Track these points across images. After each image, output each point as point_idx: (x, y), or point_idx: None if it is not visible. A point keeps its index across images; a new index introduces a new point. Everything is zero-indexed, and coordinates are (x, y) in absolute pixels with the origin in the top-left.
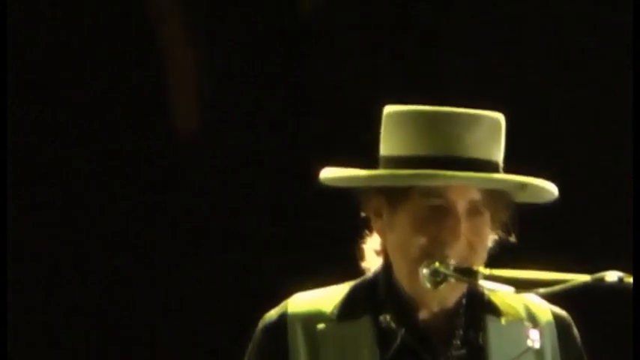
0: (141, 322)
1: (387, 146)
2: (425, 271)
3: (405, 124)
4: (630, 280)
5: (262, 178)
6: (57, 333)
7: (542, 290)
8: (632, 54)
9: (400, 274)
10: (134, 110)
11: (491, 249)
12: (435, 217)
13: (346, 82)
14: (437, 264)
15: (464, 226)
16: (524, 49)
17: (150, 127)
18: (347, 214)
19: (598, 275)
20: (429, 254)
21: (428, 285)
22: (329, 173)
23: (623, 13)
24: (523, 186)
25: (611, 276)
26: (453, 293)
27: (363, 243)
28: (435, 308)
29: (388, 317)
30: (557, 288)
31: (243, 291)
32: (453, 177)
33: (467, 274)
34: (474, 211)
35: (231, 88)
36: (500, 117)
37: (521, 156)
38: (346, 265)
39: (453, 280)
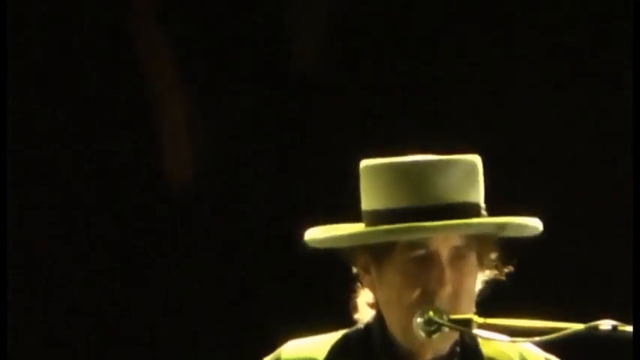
0: (141, 323)
1: (366, 201)
2: (419, 320)
3: (380, 177)
4: (625, 328)
5: (259, 178)
6: (57, 333)
7: (537, 339)
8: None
9: (393, 326)
10: (134, 110)
11: (483, 290)
12: (421, 269)
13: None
14: (431, 313)
15: (449, 274)
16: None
17: (150, 126)
18: None
19: (592, 324)
20: (419, 306)
21: (422, 334)
22: (312, 235)
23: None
24: (503, 226)
25: (605, 325)
26: (446, 342)
27: (356, 297)
28: (429, 358)
29: None
30: (551, 336)
31: (242, 291)
32: (430, 228)
33: (461, 323)
34: (457, 256)
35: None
36: (475, 158)
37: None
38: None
39: (446, 329)
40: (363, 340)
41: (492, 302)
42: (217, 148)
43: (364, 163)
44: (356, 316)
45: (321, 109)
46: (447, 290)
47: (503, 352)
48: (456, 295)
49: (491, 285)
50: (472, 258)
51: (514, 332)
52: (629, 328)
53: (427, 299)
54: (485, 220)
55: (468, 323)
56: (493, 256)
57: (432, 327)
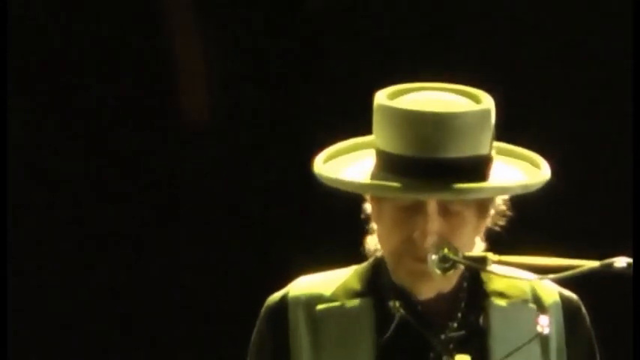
0: (141, 323)
1: (377, 137)
2: (433, 257)
3: (390, 119)
4: None
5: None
6: (56, 333)
7: (551, 276)
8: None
9: (387, 263)
10: (133, 109)
11: (493, 234)
12: (407, 217)
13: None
14: (445, 250)
15: (436, 225)
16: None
17: (150, 125)
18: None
19: (607, 261)
20: (405, 251)
21: (437, 271)
22: (319, 165)
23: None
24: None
25: (620, 262)
26: (445, 282)
27: (369, 235)
28: (431, 295)
29: (397, 304)
30: (566, 274)
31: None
32: (417, 192)
33: (476, 260)
34: (447, 209)
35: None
36: (490, 103)
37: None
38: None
39: (461, 266)
40: (372, 274)
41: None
42: (219, 145)
43: (378, 97)
44: (368, 240)
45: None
46: (429, 241)
47: (514, 286)
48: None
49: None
50: (466, 210)
51: (528, 270)
52: None
53: (411, 248)
54: (477, 185)
55: (482, 260)
56: (498, 205)
57: (446, 264)
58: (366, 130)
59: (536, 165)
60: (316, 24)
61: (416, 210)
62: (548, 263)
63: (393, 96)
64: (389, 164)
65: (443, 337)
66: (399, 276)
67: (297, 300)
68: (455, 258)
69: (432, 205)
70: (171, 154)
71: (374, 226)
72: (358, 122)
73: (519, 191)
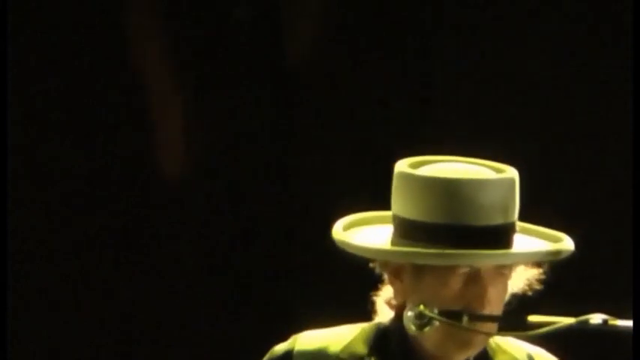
0: (142, 323)
1: (400, 206)
2: (410, 313)
3: (422, 188)
4: (616, 322)
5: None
6: (57, 332)
7: (528, 333)
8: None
9: (424, 335)
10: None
11: (508, 302)
12: (464, 285)
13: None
14: (421, 307)
15: (490, 294)
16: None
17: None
18: None
19: (583, 318)
20: None
21: (413, 328)
22: (343, 235)
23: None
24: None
25: (596, 318)
26: (473, 351)
27: (376, 295)
28: None
29: None
30: (542, 330)
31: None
32: (484, 257)
33: (452, 316)
34: (497, 274)
35: None
36: (515, 174)
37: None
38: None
39: (437, 323)
40: (380, 337)
41: None
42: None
43: (400, 167)
44: (375, 316)
45: (321, 107)
46: (487, 310)
47: (515, 358)
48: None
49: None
50: (508, 274)
51: (504, 326)
52: (620, 322)
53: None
54: (537, 250)
55: (459, 316)
56: (527, 274)
57: (423, 320)
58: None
59: (556, 239)
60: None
61: (470, 278)
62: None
63: (417, 165)
64: (427, 233)
65: None
66: (446, 345)
67: (303, 356)
68: (431, 314)
69: (489, 272)
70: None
71: (388, 297)
72: (336, 183)
73: (561, 256)
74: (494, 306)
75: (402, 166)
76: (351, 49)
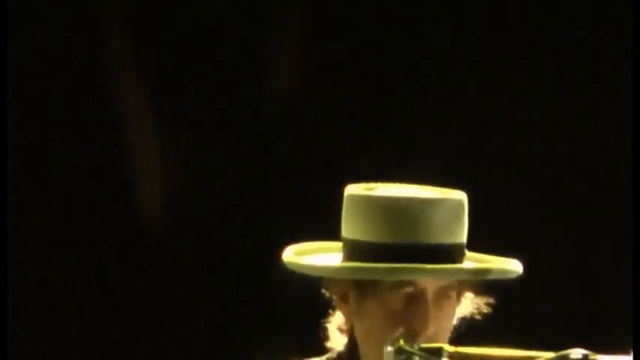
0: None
1: (349, 229)
2: (389, 349)
3: (366, 208)
4: (596, 357)
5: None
6: (57, 332)
7: None
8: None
9: (369, 358)
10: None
11: (457, 326)
12: (406, 306)
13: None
14: (402, 342)
15: (434, 314)
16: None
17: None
18: None
19: (563, 352)
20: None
21: None
22: (292, 257)
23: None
24: (491, 271)
25: (576, 353)
26: None
27: (328, 322)
28: None
29: None
30: None
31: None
32: (428, 271)
33: (432, 352)
34: (442, 295)
35: None
36: (463, 196)
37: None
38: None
39: (417, 358)
40: None
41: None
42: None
43: (350, 190)
44: (328, 344)
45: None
46: (430, 331)
47: None
48: (436, 335)
49: (466, 321)
50: (454, 297)
51: None
52: (600, 357)
53: (410, 337)
54: (478, 266)
55: (438, 352)
56: (472, 295)
57: (402, 356)
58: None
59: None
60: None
61: (413, 299)
62: (504, 354)
63: (368, 190)
64: (376, 252)
65: None
66: None
67: None
68: (411, 350)
69: (433, 291)
70: None
71: (340, 323)
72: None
73: (512, 275)
74: (440, 328)
75: (351, 188)
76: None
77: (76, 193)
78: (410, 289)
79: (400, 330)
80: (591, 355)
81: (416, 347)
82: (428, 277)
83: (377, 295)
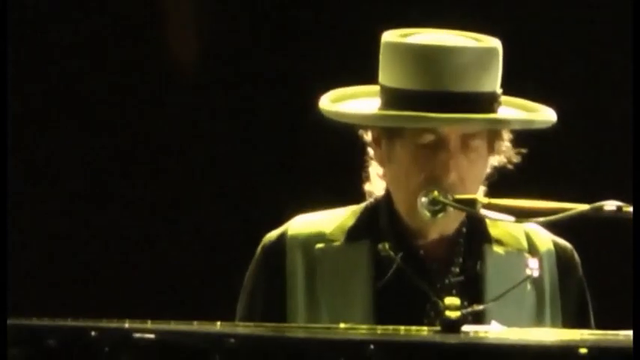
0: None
1: (384, 75)
2: (424, 199)
3: (398, 55)
4: (630, 209)
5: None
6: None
7: (541, 219)
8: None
9: (399, 204)
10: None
11: (490, 175)
12: (428, 154)
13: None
14: (435, 193)
15: (457, 161)
16: None
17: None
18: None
19: (597, 204)
20: (424, 188)
21: (427, 214)
22: (327, 104)
23: None
24: (513, 122)
25: (610, 205)
26: (451, 223)
27: (368, 166)
28: (434, 237)
29: (387, 245)
30: (556, 217)
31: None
32: (437, 119)
33: (465, 203)
34: (467, 143)
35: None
36: (497, 43)
37: (522, 82)
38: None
39: (451, 209)
40: (371, 216)
41: (500, 186)
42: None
43: (386, 37)
44: (366, 187)
45: None
46: (452, 177)
47: (509, 234)
48: (461, 182)
49: (499, 170)
50: (482, 145)
51: (519, 213)
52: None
53: (432, 184)
54: (491, 116)
55: (472, 203)
56: (504, 143)
57: (436, 206)
58: None
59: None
60: None
61: (435, 147)
62: (538, 206)
63: (403, 36)
64: (403, 100)
65: (447, 281)
66: (416, 214)
67: (296, 239)
68: (445, 200)
69: (455, 139)
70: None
71: (378, 168)
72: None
73: (541, 125)
74: (465, 176)
75: (387, 35)
76: None
77: (76, 193)
78: (431, 137)
79: (422, 176)
80: (625, 207)
81: (450, 198)
82: (448, 125)
83: (403, 143)
